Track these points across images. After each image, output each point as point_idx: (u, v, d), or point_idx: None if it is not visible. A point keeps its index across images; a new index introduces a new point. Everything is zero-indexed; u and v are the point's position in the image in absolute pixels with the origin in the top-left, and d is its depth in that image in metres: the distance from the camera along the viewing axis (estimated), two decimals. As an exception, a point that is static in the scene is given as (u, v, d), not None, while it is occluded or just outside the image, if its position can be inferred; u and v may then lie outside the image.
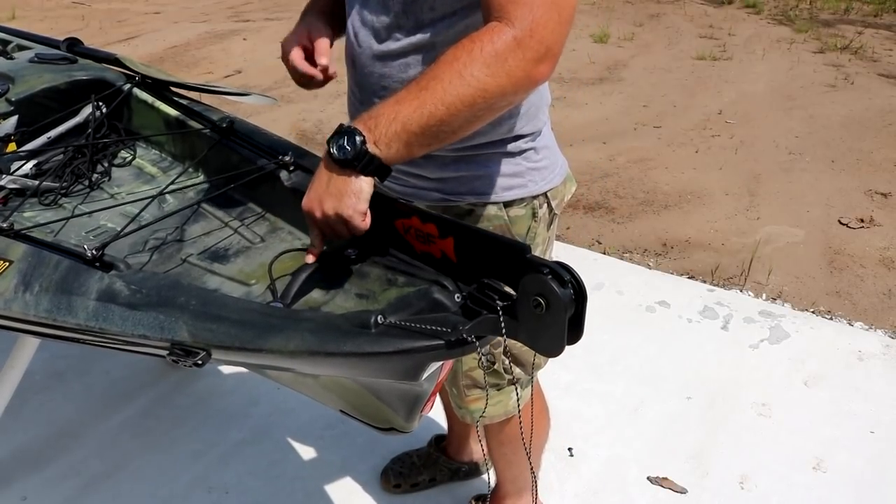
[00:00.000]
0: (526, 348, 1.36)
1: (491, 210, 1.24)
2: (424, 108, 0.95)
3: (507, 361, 1.38)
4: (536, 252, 1.29)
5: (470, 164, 1.22)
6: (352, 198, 0.97)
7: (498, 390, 1.42)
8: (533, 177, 1.26)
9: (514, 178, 1.24)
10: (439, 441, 1.97)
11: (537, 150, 1.26)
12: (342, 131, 0.97)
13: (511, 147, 1.23)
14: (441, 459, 1.92)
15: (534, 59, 0.96)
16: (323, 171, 0.99)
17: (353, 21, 1.21)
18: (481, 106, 0.96)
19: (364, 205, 0.98)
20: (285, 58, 1.28)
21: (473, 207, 1.25)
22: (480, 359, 1.25)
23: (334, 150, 0.96)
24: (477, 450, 1.93)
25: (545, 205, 1.29)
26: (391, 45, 1.16)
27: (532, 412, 1.46)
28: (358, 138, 0.95)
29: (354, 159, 0.95)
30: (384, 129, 0.96)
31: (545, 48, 0.96)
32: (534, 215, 1.28)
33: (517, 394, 1.39)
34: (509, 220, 1.25)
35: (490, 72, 0.94)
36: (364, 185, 0.97)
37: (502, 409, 1.45)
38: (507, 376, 1.40)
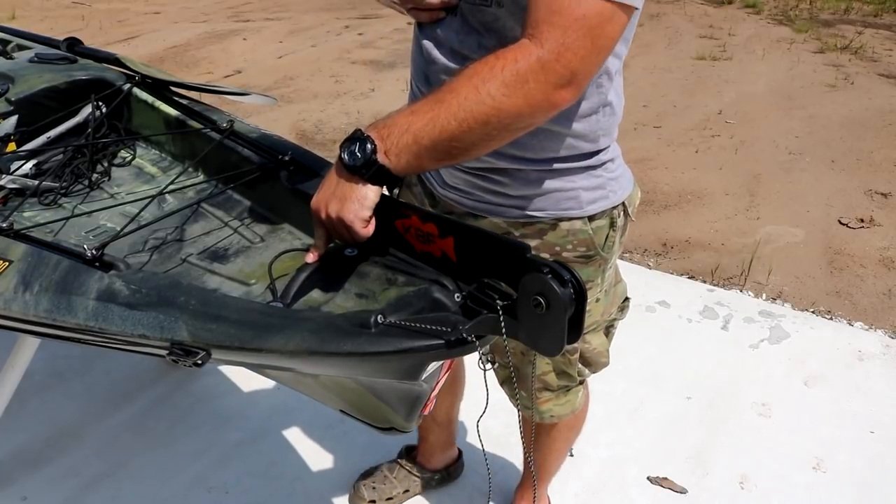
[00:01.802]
0: (598, 351, 1.41)
1: (576, 224, 1.22)
2: (437, 121, 0.93)
3: (579, 365, 1.43)
4: (609, 261, 1.29)
5: (555, 180, 1.19)
6: (355, 204, 0.97)
7: (567, 392, 1.45)
8: (613, 187, 1.24)
9: (596, 191, 1.22)
10: (410, 451, 1.93)
11: (614, 160, 1.25)
12: (355, 137, 0.96)
13: (593, 161, 1.20)
14: (414, 469, 1.89)
15: (555, 83, 0.92)
16: (333, 173, 0.99)
17: (424, 39, 1.16)
18: (495, 125, 0.94)
19: (366, 212, 0.97)
20: None
21: (558, 222, 1.22)
22: (480, 359, 1.26)
23: (345, 156, 0.96)
24: (450, 455, 1.92)
25: (622, 213, 1.28)
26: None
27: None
28: (369, 146, 0.95)
29: (363, 167, 0.95)
30: (395, 140, 0.95)
31: (570, 73, 0.92)
32: (612, 224, 1.26)
33: (582, 391, 1.47)
34: (592, 233, 1.24)
35: (508, 91, 0.92)
36: (369, 193, 0.97)
37: (569, 409, 1.49)
38: (579, 378, 1.44)
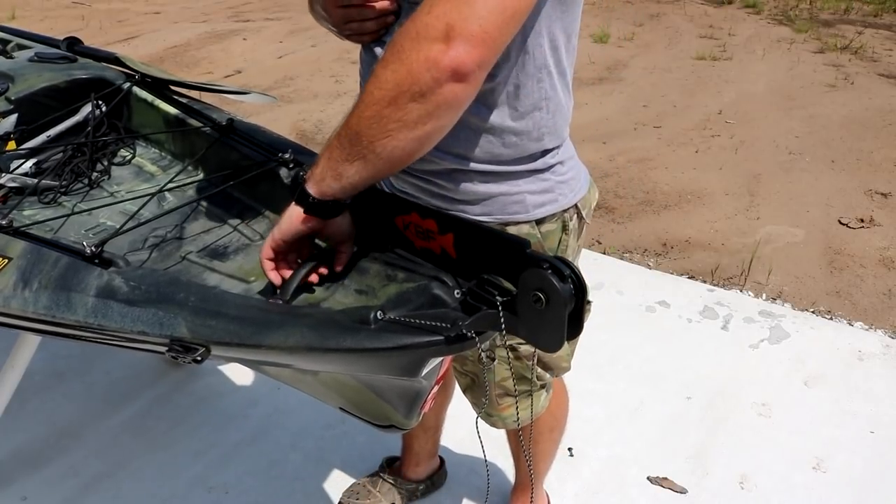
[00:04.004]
0: (559, 356, 1.39)
1: (523, 229, 1.20)
2: (344, 124, 0.93)
3: (539, 370, 1.40)
4: None
5: (499, 183, 1.16)
6: (284, 223, 0.99)
7: (528, 396, 1.43)
8: (562, 190, 1.21)
9: (544, 195, 1.19)
10: (391, 462, 1.91)
11: (563, 163, 1.21)
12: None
13: (539, 164, 1.17)
14: (398, 482, 1.86)
15: (432, 38, 0.85)
16: None
17: (375, 46, 1.13)
18: (389, 103, 0.88)
19: (281, 236, 0.99)
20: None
21: (504, 227, 1.19)
22: (480, 355, 1.25)
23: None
24: (434, 464, 1.90)
25: (575, 216, 1.25)
26: None
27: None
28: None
29: (292, 185, 0.99)
30: (318, 162, 0.96)
31: (444, 25, 0.85)
32: (564, 228, 1.23)
33: (545, 394, 1.44)
34: (541, 237, 1.22)
35: (385, 63, 0.88)
36: (293, 217, 0.99)
37: (532, 412, 1.47)
38: (539, 382, 1.41)
